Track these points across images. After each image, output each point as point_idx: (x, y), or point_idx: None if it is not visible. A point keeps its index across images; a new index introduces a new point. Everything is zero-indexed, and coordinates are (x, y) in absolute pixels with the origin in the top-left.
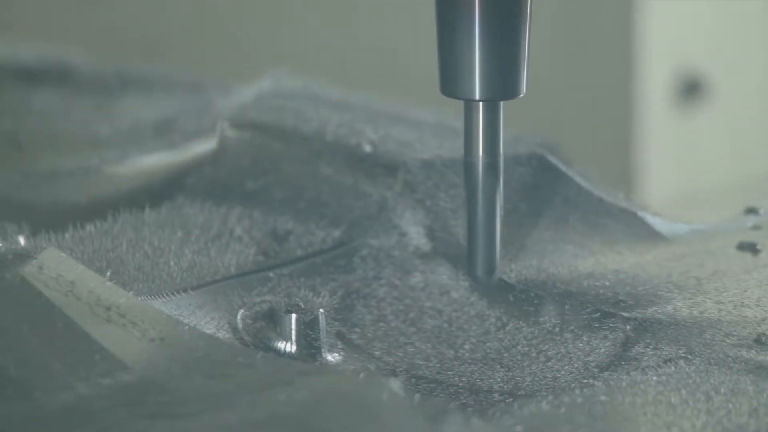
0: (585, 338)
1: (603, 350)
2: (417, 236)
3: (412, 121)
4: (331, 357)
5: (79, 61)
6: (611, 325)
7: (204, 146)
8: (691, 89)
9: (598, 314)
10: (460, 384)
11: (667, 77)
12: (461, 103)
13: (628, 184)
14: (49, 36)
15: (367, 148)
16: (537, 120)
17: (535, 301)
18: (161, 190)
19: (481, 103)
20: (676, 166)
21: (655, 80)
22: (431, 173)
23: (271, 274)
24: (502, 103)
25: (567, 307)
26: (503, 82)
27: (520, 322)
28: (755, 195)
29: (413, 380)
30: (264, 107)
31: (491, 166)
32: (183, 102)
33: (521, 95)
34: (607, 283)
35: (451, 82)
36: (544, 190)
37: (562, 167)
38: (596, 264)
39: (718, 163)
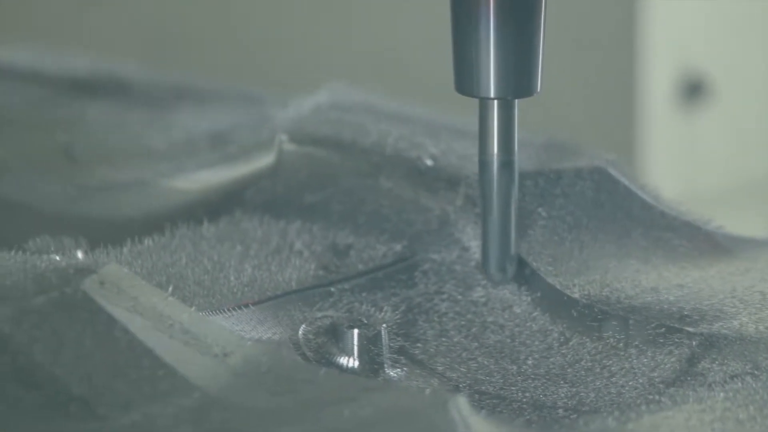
0: (650, 353)
1: (668, 366)
2: (479, 251)
3: (473, 135)
4: (394, 373)
5: (133, 73)
6: (676, 340)
7: (262, 160)
8: (693, 90)
9: (663, 329)
10: (524, 400)
11: (670, 78)
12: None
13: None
14: (103, 48)
15: (428, 162)
16: (540, 120)
17: (599, 316)
18: (219, 204)
19: (495, 101)
20: (678, 167)
21: (658, 81)
22: None
23: (332, 289)
24: (517, 101)
25: (631, 322)
26: (518, 80)
27: (584, 338)
28: (758, 196)
29: (476, 396)
30: (321, 120)
31: (506, 164)
32: (239, 114)
33: (536, 93)
34: (671, 298)
35: (465, 79)
36: (606, 204)
37: (625, 181)
38: (660, 278)
39: (721, 164)
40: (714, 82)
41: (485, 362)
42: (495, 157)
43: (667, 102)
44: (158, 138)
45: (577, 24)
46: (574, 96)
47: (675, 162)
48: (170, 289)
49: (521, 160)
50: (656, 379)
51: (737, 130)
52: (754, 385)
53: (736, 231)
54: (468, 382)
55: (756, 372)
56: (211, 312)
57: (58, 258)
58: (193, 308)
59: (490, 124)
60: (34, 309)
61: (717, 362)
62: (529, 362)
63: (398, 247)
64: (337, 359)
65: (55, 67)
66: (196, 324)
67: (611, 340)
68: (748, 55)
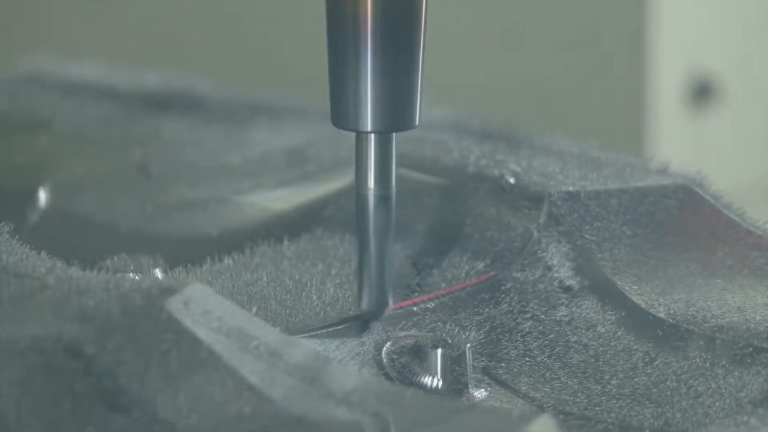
0: (737, 373)
1: (756, 386)
2: (562, 269)
3: (555, 152)
4: (478, 393)
5: (208, 89)
6: (764, 360)
7: (342, 177)
8: (702, 92)
9: (750, 349)
10: (609, 420)
11: (678, 80)
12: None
13: None
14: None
15: (511, 180)
16: (548, 122)
17: (684, 336)
18: (299, 222)
19: (373, 135)
20: (687, 169)
21: (666, 83)
22: (575, 205)
23: (415, 308)
24: (394, 134)
25: (717, 341)
26: (396, 113)
27: (669, 357)
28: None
29: (561, 417)
30: (402, 137)
31: (383, 199)
32: (315, 130)
33: (415, 126)
34: (758, 317)
35: (342, 113)
36: (691, 222)
37: (710, 199)
38: (746, 297)
39: (730, 165)
40: (722, 84)
41: (569, 382)
42: (372, 192)
43: (675, 104)
44: (234, 155)
45: (586, 26)
46: (582, 97)
47: (683, 163)
48: (254, 309)
49: (599, 179)
50: (743, 400)
51: (746, 132)
52: None
53: None
54: (552, 402)
55: None
56: (296, 332)
57: (137, 277)
58: (278, 328)
59: (368, 157)
60: (118, 329)
61: None
62: (614, 382)
63: (481, 266)
64: (421, 379)
65: (128, 83)
66: (282, 344)
67: (697, 360)
68: (756, 57)
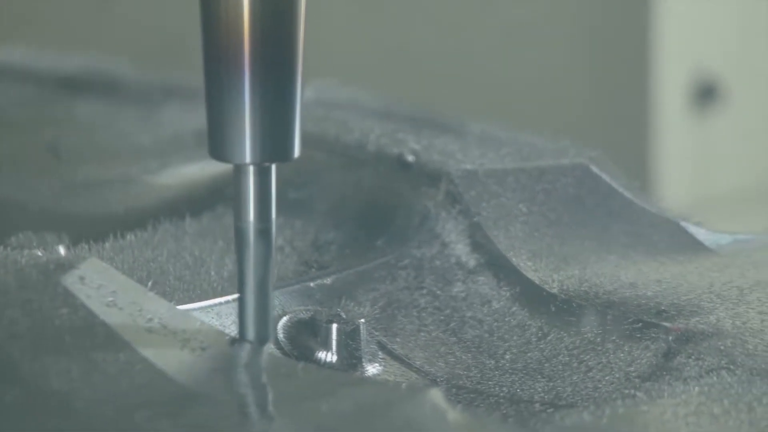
0: (627, 348)
1: (645, 360)
2: (458, 246)
3: (456, 131)
4: (372, 367)
5: (123, 71)
6: (653, 335)
7: None
8: (707, 94)
9: (640, 324)
10: (501, 394)
11: (683, 82)
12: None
13: (644, 189)
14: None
15: (410, 158)
16: (553, 124)
17: (577, 311)
18: (202, 200)
19: (252, 167)
20: (692, 170)
21: (671, 85)
22: (473, 183)
23: (312, 285)
24: (274, 166)
25: (609, 317)
26: (275, 144)
27: (562, 332)
28: None
29: (454, 390)
30: (306, 117)
31: (263, 232)
32: None
33: (294, 158)
34: (649, 293)
35: (220, 145)
36: (588, 200)
37: (606, 178)
38: (638, 274)
39: (734, 166)
40: (727, 86)
41: (463, 357)
42: (251, 225)
43: (680, 105)
44: (146, 135)
45: (591, 28)
46: (587, 100)
47: (688, 165)
48: (150, 284)
49: (498, 158)
50: (633, 374)
51: (750, 133)
52: (729, 380)
53: (752, 233)
54: (446, 376)
55: (731, 367)
56: (191, 307)
57: (39, 254)
58: (173, 303)
59: (246, 190)
60: (13, 304)
61: (693, 357)
62: (507, 357)
63: (379, 243)
64: (316, 354)
65: (47, 66)
66: (175, 318)
67: (589, 335)
68: (761, 59)
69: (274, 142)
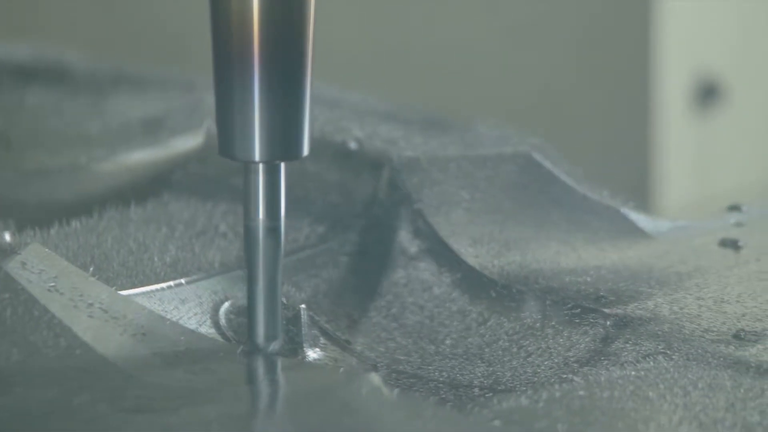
0: (566, 334)
1: (583, 346)
2: (400, 233)
3: (400, 119)
4: (313, 352)
5: (74, 61)
6: (592, 320)
7: (191, 143)
8: (708, 93)
9: (579, 310)
10: (441, 379)
11: (684, 82)
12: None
13: (646, 189)
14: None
15: (353, 146)
16: (553, 125)
17: (517, 297)
18: (148, 187)
19: (261, 165)
20: (693, 170)
21: (672, 85)
22: (415, 170)
23: None
24: (283, 164)
25: (548, 302)
26: (284, 142)
27: (502, 318)
28: None
29: (394, 375)
30: None
31: (272, 230)
32: (173, 100)
33: (304, 156)
34: (588, 279)
35: (229, 143)
36: (529, 187)
37: (548, 165)
38: (578, 260)
39: (736, 166)
40: (728, 86)
41: (404, 342)
42: (261, 223)
43: (681, 105)
44: (94, 124)
45: (592, 28)
46: (588, 100)
47: (690, 164)
48: (92, 269)
49: (441, 145)
50: (571, 359)
51: (751, 133)
52: (665, 365)
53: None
54: (386, 361)
55: (668, 351)
56: (134, 292)
57: None
58: (115, 288)
59: (256, 188)
60: None
61: (631, 342)
62: (448, 342)
63: (321, 229)
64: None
65: None
66: (116, 304)
67: (529, 320)
68: (762, 59)
69: (283, 140)
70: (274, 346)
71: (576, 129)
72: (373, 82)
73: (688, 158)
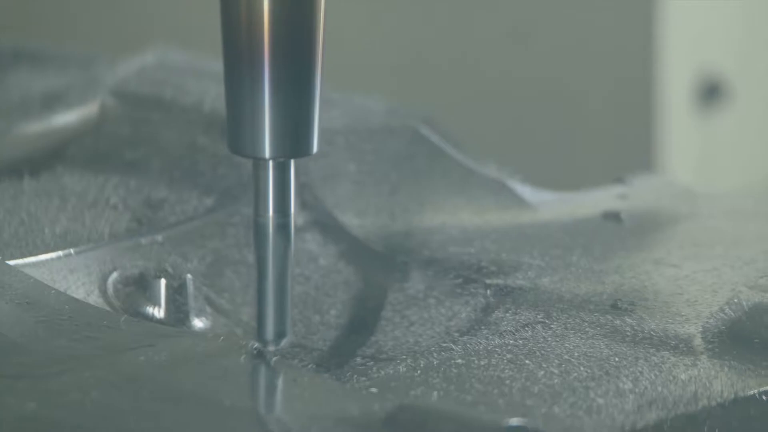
0: (447, 303)
1: (464, 315)
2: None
3: None
4: (199, 322)
5: None
6: (473, 290)
7: (85, 117)
8: (711, 92)
9: (461, 280)
10: (324, 348)
11: (687, 80)
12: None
13: None
14: None
15: None
16: (556, 122)
17: (401, 268)
18: (41, 160)
19: (271, 162)
20: (696, 168)
21: (675, 83)
22: None
23: (142, 241)
24: (293, 161)
25: (431, 273)
26: (294, 139)
27: (386, 288)
28: None
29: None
30: (146, 80)
31: (282, 226)
32: (72, 76)
33: (313, 153)
34: (472, 250)
35: (239, 140)
36: (416, 160)
37: (435, 139)
38: (463, 232)
39: (739, 165)
40: (731, 84)
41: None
42: (270, 219)
43: (684, 104)
44: None
45: (595, 27)
46: (591, 98)
47: (693, 163)
48: None
49: (329, 119)
50: (452, 328)
51: (755, 132)
52: (543, 334)
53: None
54: None
55: (547, 321)
56: (23, 262)
57: None
58: (2, 258)
59: (266, 185)
60: None
61: (511, 312)
62: (332, 312)
63: (209, 201)
64: (144, 309)
65: None
66: (2, 272)
67: (412, 290)
68: (765, 57)
69: (293, 137)
70: (284, 343)
71: (579, 127)
72: (376, 82)
73: (691, 157)
